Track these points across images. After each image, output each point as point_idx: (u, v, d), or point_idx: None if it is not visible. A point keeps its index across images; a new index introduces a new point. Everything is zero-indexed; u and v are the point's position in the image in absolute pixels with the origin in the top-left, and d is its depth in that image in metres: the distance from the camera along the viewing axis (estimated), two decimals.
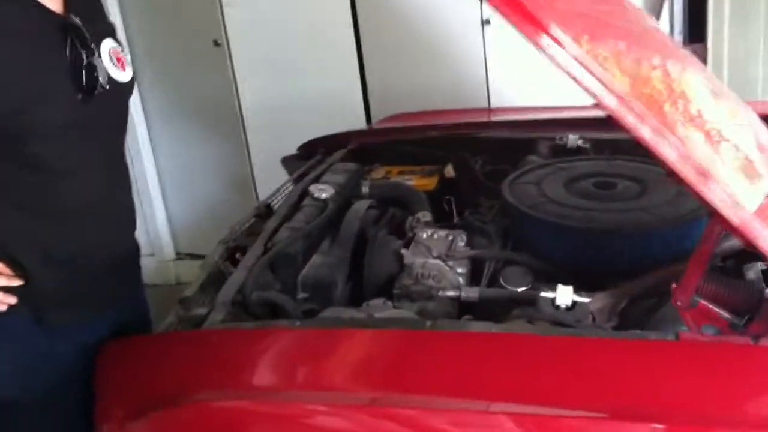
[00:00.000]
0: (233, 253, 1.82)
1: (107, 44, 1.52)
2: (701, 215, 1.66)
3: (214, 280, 1.69)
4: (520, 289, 1.66)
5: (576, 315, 1.44)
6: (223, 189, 3.77)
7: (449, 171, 2.33)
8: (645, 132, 1.12)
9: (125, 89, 1.57)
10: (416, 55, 3.26)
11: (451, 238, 1.81)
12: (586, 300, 1.46)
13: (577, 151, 2.23)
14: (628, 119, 1.11)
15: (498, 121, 2.44)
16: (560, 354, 1.30)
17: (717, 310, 1.37)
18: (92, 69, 1.44)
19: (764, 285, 1.44)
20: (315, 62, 3.37)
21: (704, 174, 1.15)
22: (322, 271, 1.75)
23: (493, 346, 1.34)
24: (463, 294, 1.61)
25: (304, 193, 2.01)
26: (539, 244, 1.73)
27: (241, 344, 1.43)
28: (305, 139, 2.64)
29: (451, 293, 1.61)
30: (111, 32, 1.58)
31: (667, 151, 1.13)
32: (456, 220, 2.18)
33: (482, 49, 3.15)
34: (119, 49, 1.56)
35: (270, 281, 1.67)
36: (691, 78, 1.23)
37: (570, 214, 1.70)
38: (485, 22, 3.09)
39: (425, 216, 1.98)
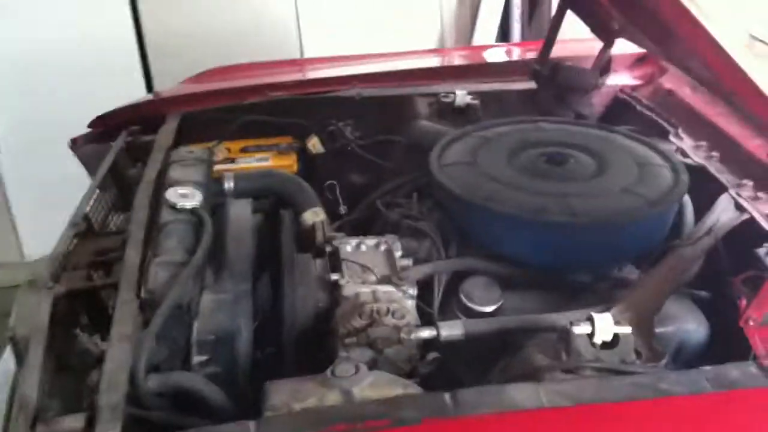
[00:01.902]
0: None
1: None
2: (682, 193, 1.40)
3: (64, 361, 1.12)
4: (490, 308, 1.30)
5: (621, 353, 1.08)
6: None
7: (315, 144, 1.83)
8: None
9: None
10: None
11: (384, 248, 1.35)
12: (627, 330, 1.10)
13: (467, 109, 1.85)
14: None
15: (359, 74, 1.94)
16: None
17: None
18: None
19: None
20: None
21: None
22: (220, 318, 1.20)
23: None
24: (444, 333, 1.17)
25: (156, 202, 1.40)
26: (503, 243, 1.35)
27: None
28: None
29: (426, 334, 1.17)
30: None
31: None
32: (343, 211, 1.72)
33: None
34: None
35: (155, 350, 1.10)
36: None
37: (541, 203, 1.32)
38: None
39: (318, 214, 1.50)
